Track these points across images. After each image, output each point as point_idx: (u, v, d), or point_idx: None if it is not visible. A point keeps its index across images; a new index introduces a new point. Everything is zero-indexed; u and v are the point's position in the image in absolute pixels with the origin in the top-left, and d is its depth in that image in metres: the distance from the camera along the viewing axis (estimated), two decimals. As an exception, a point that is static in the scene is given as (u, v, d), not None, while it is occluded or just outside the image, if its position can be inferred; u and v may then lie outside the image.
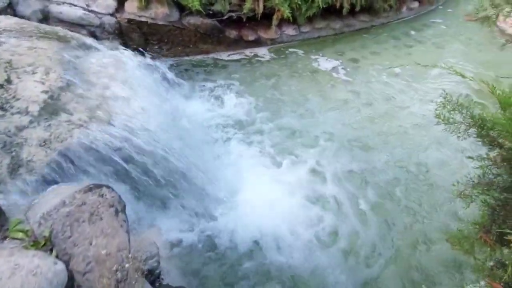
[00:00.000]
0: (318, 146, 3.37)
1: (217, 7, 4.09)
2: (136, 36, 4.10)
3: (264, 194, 2.77)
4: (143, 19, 3.99)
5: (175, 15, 4.08)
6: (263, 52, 4.71)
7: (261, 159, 3.16)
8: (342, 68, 4.64)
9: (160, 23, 4.06)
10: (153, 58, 4.02)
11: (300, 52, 4.86)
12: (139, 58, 3.28)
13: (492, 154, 1.43)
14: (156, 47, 4.25)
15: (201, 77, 4.17)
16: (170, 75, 3.60)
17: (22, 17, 3.35)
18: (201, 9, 3.89)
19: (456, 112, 1.57)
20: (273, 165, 3.11)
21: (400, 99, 4.12)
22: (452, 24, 5.99)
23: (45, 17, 3.68)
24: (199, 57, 4.53)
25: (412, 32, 5.65)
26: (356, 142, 3.45)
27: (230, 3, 4.09)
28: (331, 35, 5.25)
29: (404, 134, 3.59)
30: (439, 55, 5.09)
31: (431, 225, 2.67)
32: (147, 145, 2.14)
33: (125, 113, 2.31)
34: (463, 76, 1.57)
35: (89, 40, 2.65)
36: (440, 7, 6.65)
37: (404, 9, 5.71)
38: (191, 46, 4.41)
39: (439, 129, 1.72)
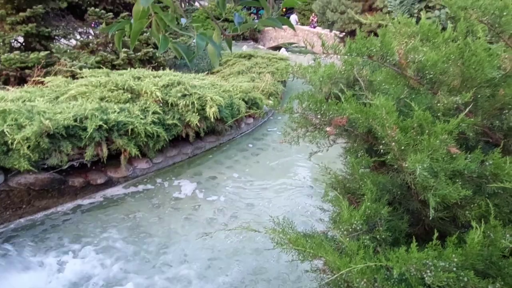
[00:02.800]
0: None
1: (52, 161, 3.80)
2: None
3: None
4: (-51, 192, 3.29)
5: (-2, 178, 3.55)
6: (116, 192, 4.47)
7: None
8: (202, 189, 4.81)
9: (-23, 191, 3.43)
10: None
11: (157, 183, 4.85)
12: None
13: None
14: (-27, 219, 3.48)
15: (41, 240, 3.52)
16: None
17: None
18: (31, 167, 3.53)
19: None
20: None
21: (259, 205, 4.46)
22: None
23: None
24: (38, 215, 3.90)
25: (255, 142, 6.57)
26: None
27: (67, 154, 3.87)
28: (185, 159, 5.55)
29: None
30: (280, 157, 5.97)
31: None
32: None
33: None
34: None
35: None
36: (271, 118, 8.13)
37: (243, 125, 6.68)
38: (24, 206, 3.80)
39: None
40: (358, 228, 1.41)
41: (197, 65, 8.98)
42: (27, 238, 3.52)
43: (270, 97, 7.90)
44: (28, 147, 3.50)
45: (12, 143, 3.37)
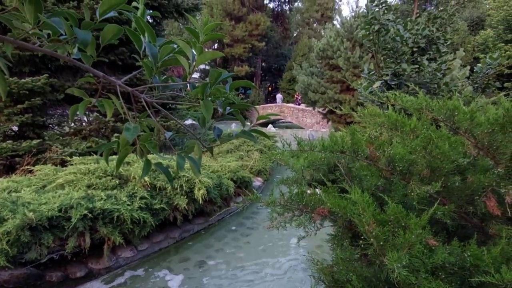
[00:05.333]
0: None
1: (31, 255, 3.62)
2: None
3: None
4: None
5: (-32, 278, 3.31)
6: (96, 286, 4.17)
7: None
8: (190, 277, 4.53)
9: None
10: None
11: (142, 272, 4.58)
12: None
13: None
14: None
15: None
16: None
17: None
18: (6, 263, 3.34)
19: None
20: None
21: (251, 294, 4.18)
22: (273, 207, 7.25)
23: None
24: (6, 319, 3.55)
25: (245, 222, 6.44)
26: None
27: (48, 247, 3.71)
28: (173, 244, 5.34)
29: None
30: (271, 237, 5.81)
31: None
32: None
33: None
34: None
35: None
36: (260, 194, 8.13)
37: (232, 204, 6.62)
38: (-7, 309, 3.48)
39: None
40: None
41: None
42: None
43: (259, 175, 8.02)
44: (8, 241, 3.36)
45: (-10, 239, 3.24)
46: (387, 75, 3.66)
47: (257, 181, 7.93)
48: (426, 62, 3.54)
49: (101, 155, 1.25)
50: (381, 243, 1.43)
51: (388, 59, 3.83)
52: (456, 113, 1.69)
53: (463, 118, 1.71)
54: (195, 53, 0.98)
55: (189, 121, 10.05)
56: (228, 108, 1.12)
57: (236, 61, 32.37)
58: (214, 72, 1.00)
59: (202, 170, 5.78)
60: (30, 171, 5.15)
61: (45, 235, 3.65)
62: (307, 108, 19.60)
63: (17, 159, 5.96)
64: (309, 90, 14.31)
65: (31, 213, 3.44)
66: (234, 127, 14.26)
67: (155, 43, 1.12)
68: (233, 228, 6.15)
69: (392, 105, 3.65)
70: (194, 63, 0.99)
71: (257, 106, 24.69)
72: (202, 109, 1.01)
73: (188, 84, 1.20)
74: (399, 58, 3.63)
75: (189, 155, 1.16)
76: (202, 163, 6.38)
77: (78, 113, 1.11)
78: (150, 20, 9.48)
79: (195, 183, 5.09)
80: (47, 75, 6.55)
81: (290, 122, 23.71)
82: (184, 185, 4.97)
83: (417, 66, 3.49)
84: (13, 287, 3.60)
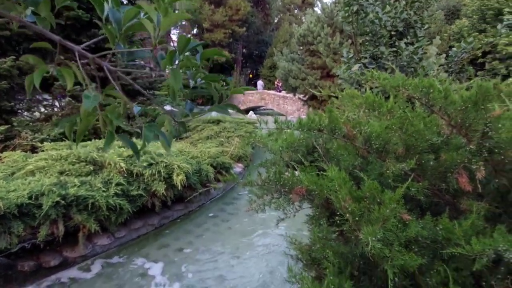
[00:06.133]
0: None
1: (0, 244, 3.46)
2: None
3: None
4: None
5: None
6: (71, 274, 4.06)
7: None
8: (170, 263, 4.49)
9: None
10: None
11: (120, 260, 4.49)
12: None
13: None
14: None
15: None
16: None
17: None
18: (-27, 254, 3.18)
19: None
20: None
21: (232, 277, 4.20)
22: (253, 193, 7.27)
23: None
24: (-25, 311, 3.41)
25: (225, 208, 6.43)
26: None
27: (18, 236, 3.55)
28: (152, 230, 5.26)
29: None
30: (252, 223, 5.83)
31: None
32: None
33: None
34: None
35: None
36: (241, 179, 8.11)
37: (212, 190, 6.59)
38: (-40, 301, 3.32)
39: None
40: (322, 306, 1.35)
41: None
42: None
43: (240, 161, 7.99)
44: (-28, 231, 3.19)
45: (-47, 228, 3.06)
46: (366, 58, 3.67)
47: (238, 167, 7.90)
48: (403, 46, 3.57)
49: (74, 141, 1.17)
50: (357, 218, 1.43)
51: (367, 43, 3.84)
52: (431, 91, 1.70)
53: (438, 96, 1.72)
54: (161, 16, 0.90)
55: (168, 107, 9.82)
56: (199, 80, 1.06)
57: (217, 46, 31.79)
58: (182, 38, 0.94)
59: (181, 156, 5.68)
60: (-2, 158, 4.89)
61: (14, 223, 3.49)
62: (288, 95, 19.61)
63: (-17, 146, 5.63)
64: (290, 76, 14.26)
65: (-2, 201, 3.27)
66: (214, 114, 14.08)
67: (119, 8, 1.04)
68: (214, 214, 6.13)
69: (370, 88, 3.68)
70: (159, 28, 0.92)
71: (237, 94, 24.44)
72: (171, 79, 0.94)
73: (155, 54, 1.12)
74: (377, 41, 3.64)
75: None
76: (181, 149, 6.27)
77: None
78: None
79: (174, 168, 5.00)
80: (14, 57, 6.17)
81: (271, 109, 23.70)
82: (162, 170, 4.87)
83: (395, 49, 3.52)
84: (-19, 278, 3.45)
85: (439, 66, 4.34)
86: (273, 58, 23.62)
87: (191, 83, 1.15)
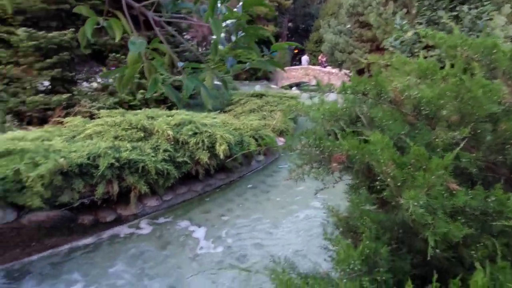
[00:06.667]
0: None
1: (64, 198, 3.89)
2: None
3: None
4: (-36, 229, 3.38)
5: (11, 216, 3.63)
6: (125, 230, 4.47)
7: None
8: (211, 227, 4.74)
9: (-10, 228, 3.51)
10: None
11: (167, 220, 4.83)
12: None
13: None
14: (-16, 257, 3.52)
15: (44, 279, 3.50)
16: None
17: None
18: (43, 205, 3.62)
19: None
20: None
21: (269, 244, 4.34)
22: (294, 167, 7.29)
23: None
24: (45, 253, 3.91)
25: (266, 180, 6.54)
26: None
27: (79, 192, 3.96)
28: (195, 196, 5.55)
29: None
30: (291, 195, 5.89)
31: None
32: None
33: None
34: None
35: None
36: (282, 154, 8.15)
37: (253, 162, 6.71)
38: (33, 244, 3.83)
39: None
40: (356, 268, 1.35)
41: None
42: (33, 276, 3.51)
43: (281, 135, 7.99)
44: (42, 184, 3.61)
45: (26, 181, 3.49)
46: (421, 23, 3.36)
47: (279, 141, 7.92)
48: (465, 9, 3.19)
49: (128, 109, 1.25)
50: (399, 184, 1.38)
51: (424, 8, 3.50)
52: (494, 52, 1.53)
53: (502, 57, 1.55)
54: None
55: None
56: (240, 32, 1.06)
57: (261, 20, 31.18)
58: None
59: (224, 127, 5.82)
60: (61, 123, 5.40)
61: (76, 180, 3.89)
62: (333, 71, 18.87)
63: (49, 112, 6.25)
64: (336, 49, 13.61)
65: (61, 159, 3.64)
66: (258, 88, 14.05)
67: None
68: (254, 185, 6.27)
69: (424, 57, 3.39)
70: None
71: (280, 70, 23.99)
72: (212, 28, 0.96)
73: (200, 9, 1.14)
74: (435, 4, 3.30)
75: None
76: (224, 121, 6.41)
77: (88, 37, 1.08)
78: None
79: (217, 138, 5.15)
80: (73, 29, 6.61)
81: (315, 85, 23.02)
82: (205, 140, 5.05)
83: (455, 13, 3.16)
84: (49, 227, 3.93)
85: (505, 38, 3.85)
86: (319, 32, 22.63)
87: (232, 38, 1.15)
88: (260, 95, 9.95)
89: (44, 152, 3.82)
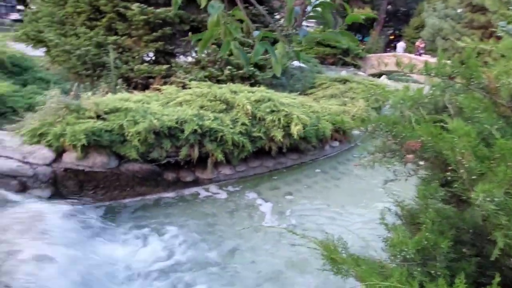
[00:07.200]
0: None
1: (154, 154, 4.47)
2: (72, 184, 4.18)
3: None
4: (80, 167, 4.17)
5: (113, 163, 4.34)
6: (200, 191, 4.94)
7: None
8: (278, 203, 4.92)
9: (98, 170, 4.26)
10: (85, 203, 4.03)
11: (237, 189, 5.17)
12: (64, 207, 3.28)
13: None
14: (91, 192, 4.31)
15: (134, 219, 4.14)
16: (98, 220, 3.55)
17: None
18: (138, 157, 4.23)
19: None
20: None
21: (331, 229, 4.32)
22: (370, 158, 6.95)
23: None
24: (136, 199, 4.61)
25: (338, 166, 6.41)
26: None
27: (166, 151, 4.50)
28: (266, 172, 5.77)
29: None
30: (362, 185, 5.67)
31: None
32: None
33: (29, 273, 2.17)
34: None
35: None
36: (359, 144, 7.81)
37: (327, 147, 6.61)
38: (128, 189, 4.53)
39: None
40: (409, 257, 1.31)
41: (292, 85, 9.31)
42: (127, 215, 4.20)
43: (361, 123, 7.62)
44: (139, 140, 4.21)
45: (127, 135, 4.12)
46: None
47: (358, 130, 7.58)
48: None
49: (215, 83, 1.37)
50: (474, 177, 1.27)
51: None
52: None
53: None
54: None
55: (296, 63, 9.93)
56: (313, 1, 1.08)
57: (357, 2, 29.24)
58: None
59: (302, 108, 5.84)
60: (159, 90, 6.11)
61: (164, 140, 4.42)
62: (431, 60, 16.84)
63: (150, 80, 7.10)
64: (439, 36, 12.10)
65: (155, 120, 4.17)
66: (343, 73, 13.48)
67: None
68: (325, 170, 6.21)
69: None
70: None
71: (371, 55, 22.39)
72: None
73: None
74: None
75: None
76: (303, 102, 6.41)
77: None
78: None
79: (293, 118, 5.21)
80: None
81: (409, 75, 21.00)
82: (282, 118, 5.16)
83: None
84: (141, 177, 4.57)
85: None
86: (421, 16, 20.24)
87: (308, 8, 1.18)
88: (344, 81, 9.57)
89: (143, 113, 4.41)
